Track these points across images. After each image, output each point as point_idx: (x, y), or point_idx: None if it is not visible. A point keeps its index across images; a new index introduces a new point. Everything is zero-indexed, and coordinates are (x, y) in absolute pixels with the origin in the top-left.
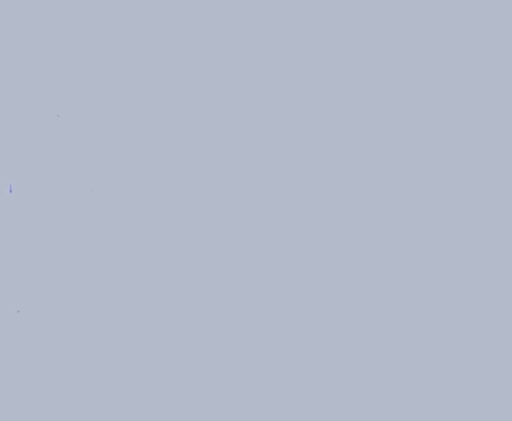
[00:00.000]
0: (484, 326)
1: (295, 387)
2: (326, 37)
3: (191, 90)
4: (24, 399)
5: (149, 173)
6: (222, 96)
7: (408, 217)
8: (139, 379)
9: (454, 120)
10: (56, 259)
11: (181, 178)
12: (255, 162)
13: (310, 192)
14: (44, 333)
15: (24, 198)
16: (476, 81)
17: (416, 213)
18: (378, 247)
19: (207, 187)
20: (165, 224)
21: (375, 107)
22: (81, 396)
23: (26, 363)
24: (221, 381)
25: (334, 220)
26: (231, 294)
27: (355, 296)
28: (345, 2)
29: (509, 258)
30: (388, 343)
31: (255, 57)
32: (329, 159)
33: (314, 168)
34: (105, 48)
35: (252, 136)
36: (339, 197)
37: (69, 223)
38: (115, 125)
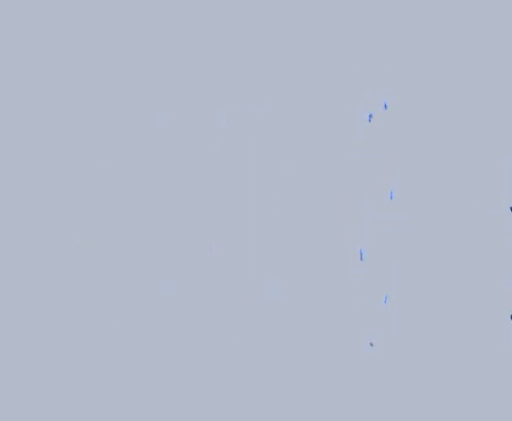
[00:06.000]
0: (482, 327)
1: (295, 388)
2: (326, 37)
3: (190, 91)
4: (24, 399)
5: (148, 174)
6: (221, 96)
7: (407, 218)
8: (139, 380)
9: (453, 120)
10: (56, 259)
11: (179, 180)
12: (254, 163)
13: (308, 192)
14: (43, 334)
15: (23, 199)
16: (475, 80)
17: (414, 214)
18: (376, 249)
19: (206, 188)
20: (164, 225)
21: (374, 107)
22: (81, 397)
23: (26, 364)
24: (220, 382)
25: (333, 222)
26: (230, 294)
27: (354, 296)
28: (345, 2)
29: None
30: (387, 344)
31: (255, 57)
32: (327, 162)
33: (312, 171)
34: (105, 49)
35: (251, 136)
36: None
37: (68, 223)
38: (114, 126)
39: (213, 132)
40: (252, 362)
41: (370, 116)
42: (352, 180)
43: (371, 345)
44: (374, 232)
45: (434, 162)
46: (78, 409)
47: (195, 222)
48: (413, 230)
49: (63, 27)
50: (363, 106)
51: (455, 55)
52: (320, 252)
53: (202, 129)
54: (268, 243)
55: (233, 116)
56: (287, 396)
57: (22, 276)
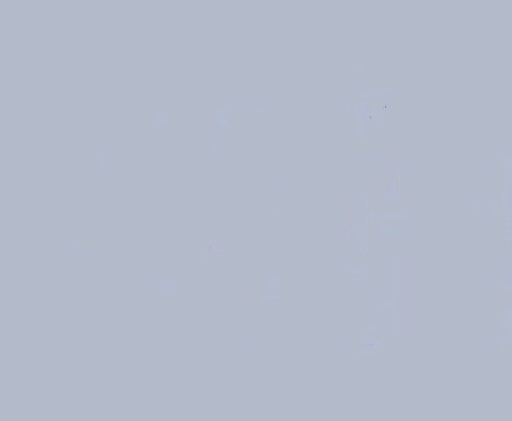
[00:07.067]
0: (481, 327)
1: (295, 388)
2: (326, 37)
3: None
4: (24, 399)
5: (148, 174)
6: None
7: (406, 218)
8: (139, 380)
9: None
10: (56, 259)
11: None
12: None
13: (308, 193)
14: (43, 334)
15: (23, 198)
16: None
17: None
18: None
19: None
20: (164, 225)
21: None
22: (81, 397)
23: (26, 364)
24: (220, 382)
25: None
26: (230, 294)
27: (354, 296)
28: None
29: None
30: (387, 345)
31: (255, 57)
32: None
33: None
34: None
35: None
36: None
37: (68, 223)
38: (114, 127)
39: (213, 132)
40: (252, 362)
41: (370, 117)
42: (352, 180)
43: (372, 345)
44: (374, 232)
45: (434, 162)
46: (78, 409)
47: (195, 222)
48: (413, 229)
49: (63, 27)
50: (363, 106)
51: (455, 55)
52: (320, 251)
53: (202, 129)
54: (268, 243)
55: (233, 116)
56: (287, 395)
57: (22, 276)
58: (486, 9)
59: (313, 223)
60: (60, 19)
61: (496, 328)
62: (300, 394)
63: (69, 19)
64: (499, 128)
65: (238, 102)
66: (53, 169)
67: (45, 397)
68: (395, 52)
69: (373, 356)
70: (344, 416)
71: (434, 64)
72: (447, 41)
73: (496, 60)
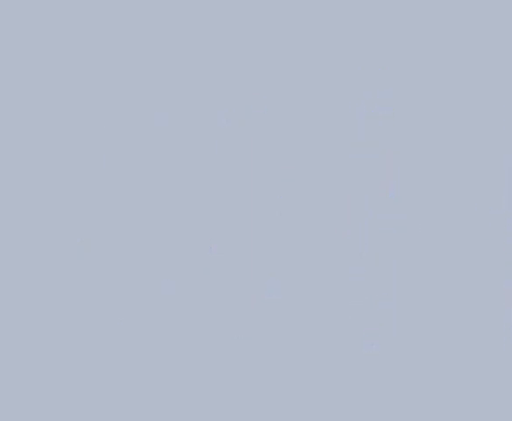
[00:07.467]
0: (481, 327)
1: (295, 389)
2: (326, 37)
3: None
4: (24, 399)
5: (148, 174)
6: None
7: (406, 218)
8: (139, 380)
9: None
10: (56, 259)
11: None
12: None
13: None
14: (43, 334)
15: (23, 198)
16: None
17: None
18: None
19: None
20: (164, 225)
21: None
22: (81, 397)
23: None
24: (220, 382)
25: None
26: (230, 294)
27: (354, 296)
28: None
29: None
30: (387, 345)
31: (255, 57)
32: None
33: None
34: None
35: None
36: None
37: (68, 223)
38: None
39: (213, 132)
40: (252, 362)
41: (370, 117)
42: (352, 179)
43: (372, 345)
44: (374, 232)
45: (434, 162)
46: (78, 409)
47: (195, 222)
48: (413, 229)
49: (63, 27)
50: (363, 106)
51: (455, 55)
52: (320, 251)
53: (202, 129)
54: (268, 243)
55: (233, 116)
56: (287, 395)
57: (22, 276)
58: (486, 9)
59: (313, 223)
60: (60, 19)
61: (496, 328)
62: (300, 394)
63: (69, 19)
64: (499, 128)
65: (238, 102)
66: (53, 169)
67: (45, 397)
68: (395, 52)
69: (373, 356)
70: (344, 415)
71: (434, 64)
72: (447, 41)
73: (497, 60)
